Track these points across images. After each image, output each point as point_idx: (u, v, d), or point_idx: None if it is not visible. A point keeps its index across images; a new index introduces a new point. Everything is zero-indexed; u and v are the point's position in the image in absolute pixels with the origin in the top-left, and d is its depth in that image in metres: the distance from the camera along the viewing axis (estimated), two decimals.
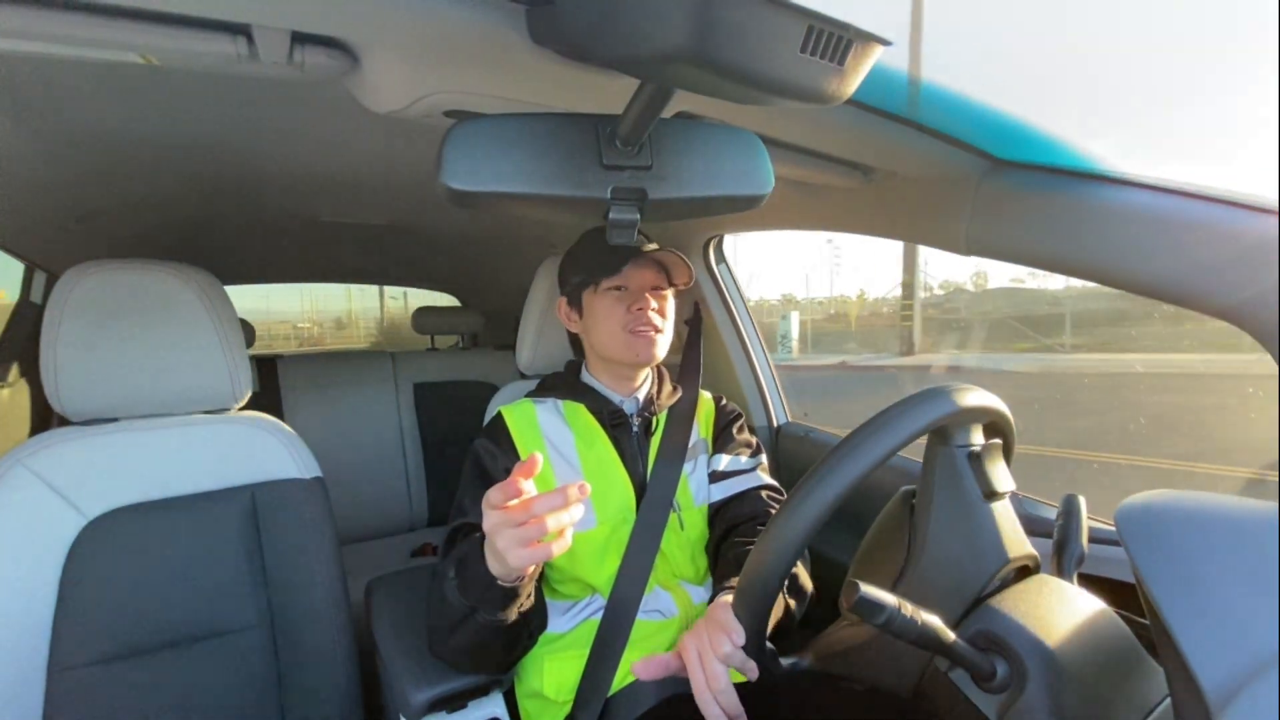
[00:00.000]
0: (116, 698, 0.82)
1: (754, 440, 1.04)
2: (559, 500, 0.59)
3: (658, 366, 1.01)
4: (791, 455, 1.43)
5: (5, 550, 0.80)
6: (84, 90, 0.74)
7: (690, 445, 0.95)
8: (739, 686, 0.90)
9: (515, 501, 0.60)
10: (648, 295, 0.91)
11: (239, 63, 0.48)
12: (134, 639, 0.84)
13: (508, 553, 0.60)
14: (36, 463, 0.84)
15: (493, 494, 0.61)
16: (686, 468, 0.94)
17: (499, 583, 0.66)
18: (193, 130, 0.89)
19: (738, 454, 0.99)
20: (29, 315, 1.56)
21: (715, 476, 0.97)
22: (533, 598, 0.73)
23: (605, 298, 0.91)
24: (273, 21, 0.45)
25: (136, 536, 0.86)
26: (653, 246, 0.91)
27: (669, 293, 0.95)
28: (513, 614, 0.71)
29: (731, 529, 0.92)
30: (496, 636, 0.73)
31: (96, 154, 0.96)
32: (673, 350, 0.99)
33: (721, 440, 1.01)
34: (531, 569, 0.68)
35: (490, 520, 0.61)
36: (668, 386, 1.00)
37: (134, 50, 0.46)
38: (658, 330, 0.91)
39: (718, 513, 0.95)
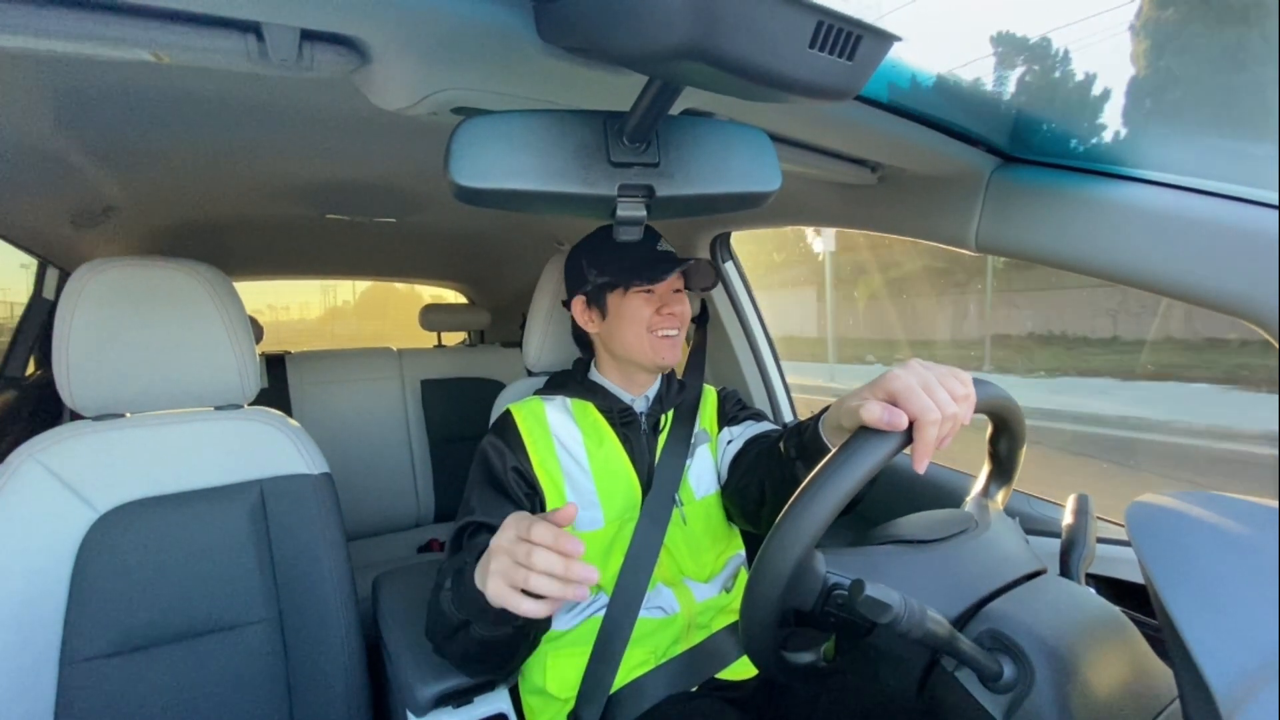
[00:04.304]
0: (127, 690, 0.82)
1: (762, 412, 1.05)
2: (557, 565, 0.54)
3: None
4: None
5: (18, 544, 0.81)
6: (96, 88, 0.75)
7: (692, 437, 0.95)
8: (743, 684, 0.91)
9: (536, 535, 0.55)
10: (674, 298, 0.91)
11: (249, 60, 0.49)
12: (144, 632, 0.85)
13: (491, 579, 0.57)
14: (48, 457, 0.85)
15: (537, 527, 0.56)
16: (687, 461, 0.94)
17: (490, 603, 0.60)
18: (203, 127, 0.90)
19: (747, 421, 0.99)
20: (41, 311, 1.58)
21: (730, 445, 0.96)
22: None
23: (633, 300, 0.90)
24: (283, 19, 0.45)
25: (147, 530, 0.87)
26: (670, 249, 0.91)
27: (684, 294, 0.95)
28: (507, 630, 0.68)
29: (762, 450, 0.87)
30: (493, 648, 0.71)
31: (108, 152, 0.97)
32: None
33: (729, 418, 1.00)
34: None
35: (502, 536, 0.58)
36: (675, 384, 1.00)
37: (145, 48, 0.46)
38: (680, 331, 0.92)
39: (738, 462, 0.93)
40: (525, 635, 0.74)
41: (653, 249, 0.91)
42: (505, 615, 0.62)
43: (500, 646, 0.71)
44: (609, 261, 0.92)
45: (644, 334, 0.90)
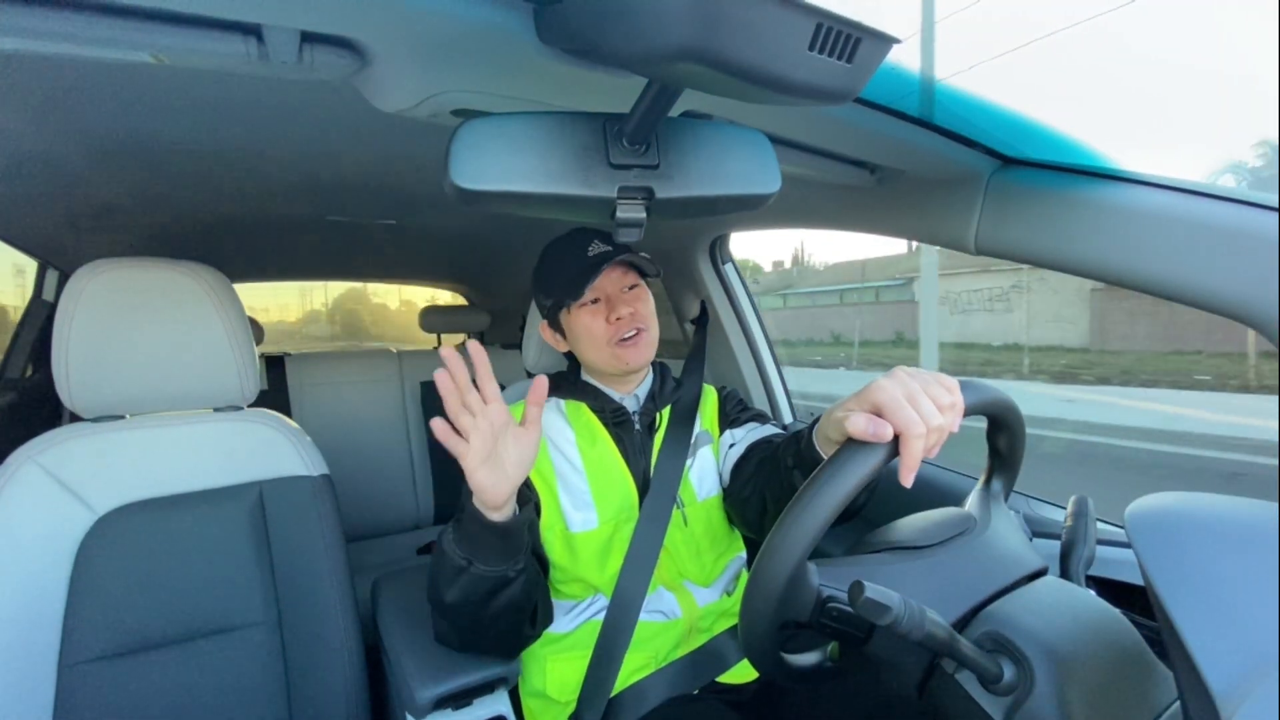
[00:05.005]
0: (126, 692, 0.82)
1: (765, 412, 1.04)
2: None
3: (660, 364, 1.01)
4: None
5: (16, 545, 0.81)
6: (96, 90, 0.75)
7: (693, 438, 0.95)
8: (744, 687, 0.91)
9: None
10: (624, 298, 0.89)
11: (249, 62, 0.49)
12: (143, 634, 0.84)
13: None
14: (47, 459, 0.84)
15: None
16: (688, 461, 0.93)
17: (487, 517, 0.65)
18: (203, 129, 0.90)
19: (750, 423, 0.98)
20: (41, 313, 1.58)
21: (732, 448, 0.95)
22: (527, 564, 0.71)
23: (582, 315, 0.89)
24: (283, 21, 0.45)
25: (146, 532, 0.87)
26: (607, 249, 0.87)
27: (643, 287, 0.92)
28: (506, 570, 0.69)
29: (764, 457, 0.87)
30: (490, 596, 0.70)
31: (108, 154, 0.97)
32: (678, 347, 0.98)
33: (731, 420, 0.99)
34: (509, 504, 0.67)
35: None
36: (670, 383, 1.00)
37: (145, 50, 0.46)
38: (641, 330, 0.89)
39: (741, 467, 0.91)
40: (527, 598, 0.74)
41: (584, 256, 0.87)
42: (505, 549, 0.68)
43: (497, 595, 0.70)
44: (547, 282, 0.92)
45: (603, 347, 0.89)
